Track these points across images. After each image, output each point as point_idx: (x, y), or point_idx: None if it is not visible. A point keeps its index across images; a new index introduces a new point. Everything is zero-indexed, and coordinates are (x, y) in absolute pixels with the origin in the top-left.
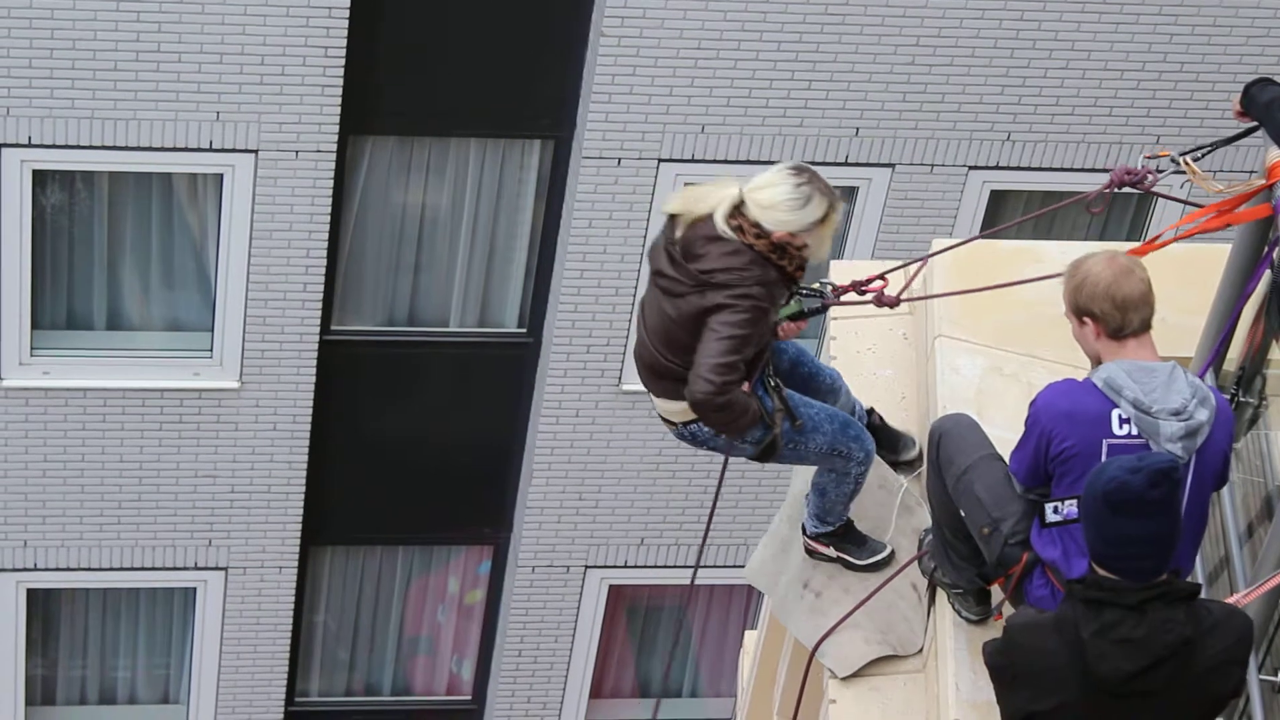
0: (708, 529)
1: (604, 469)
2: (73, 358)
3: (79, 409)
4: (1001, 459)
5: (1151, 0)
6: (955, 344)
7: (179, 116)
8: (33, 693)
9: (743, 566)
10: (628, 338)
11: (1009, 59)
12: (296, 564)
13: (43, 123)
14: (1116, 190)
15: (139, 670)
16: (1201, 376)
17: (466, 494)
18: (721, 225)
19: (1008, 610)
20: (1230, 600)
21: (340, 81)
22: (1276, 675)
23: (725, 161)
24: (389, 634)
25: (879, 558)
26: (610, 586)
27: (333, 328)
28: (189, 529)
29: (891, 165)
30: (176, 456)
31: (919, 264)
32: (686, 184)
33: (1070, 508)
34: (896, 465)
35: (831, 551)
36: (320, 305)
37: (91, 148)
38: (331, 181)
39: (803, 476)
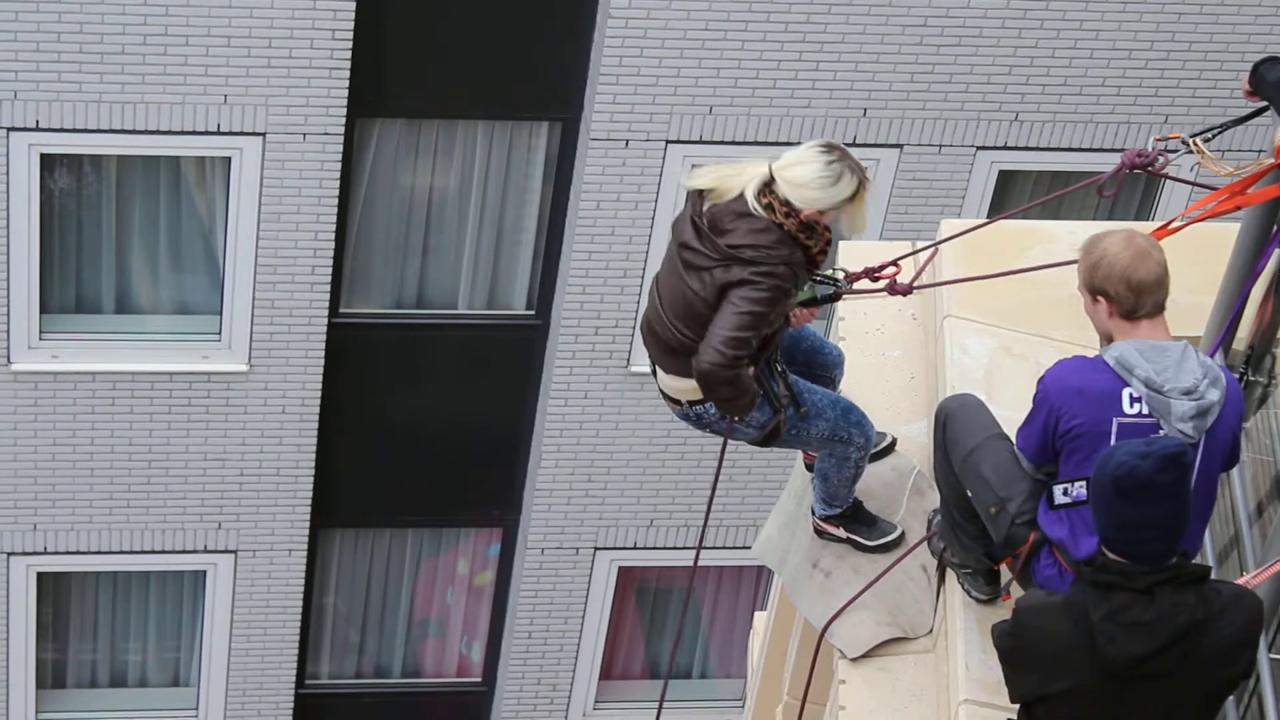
0: (708, 512)
1: (613, 450)
2: (81, 341)
3: (88, 392)
4: (1008, 438)
5: None
6: (964, 324)
7: (186, 100)
8: (43, 676)
9: (751, 548)
10: (636, 319)
11: (1017, 39)
12: (306, 547)
13: (50, 106)
14: (1128, 173)
15: (149, 653)
16: (1212, 356)
17: (475, 476)
18: (752, 202)
19: (1016, 590)
20: (1240, 581)
21: (348, 64)
22: None
23: (733, 143)
24: (399, 616)
25: (889, 539)
26: (620, 568)
27: (341, 310)
28: (198, 512)
29: (899, 146)
30: (186, 440)
31: (931, 250)
32: (694, 165)
33: (1079, 489)
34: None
35: (841, 532)
36: (329, 288)
37: (99, 131)
38: (339, 164)
39: None
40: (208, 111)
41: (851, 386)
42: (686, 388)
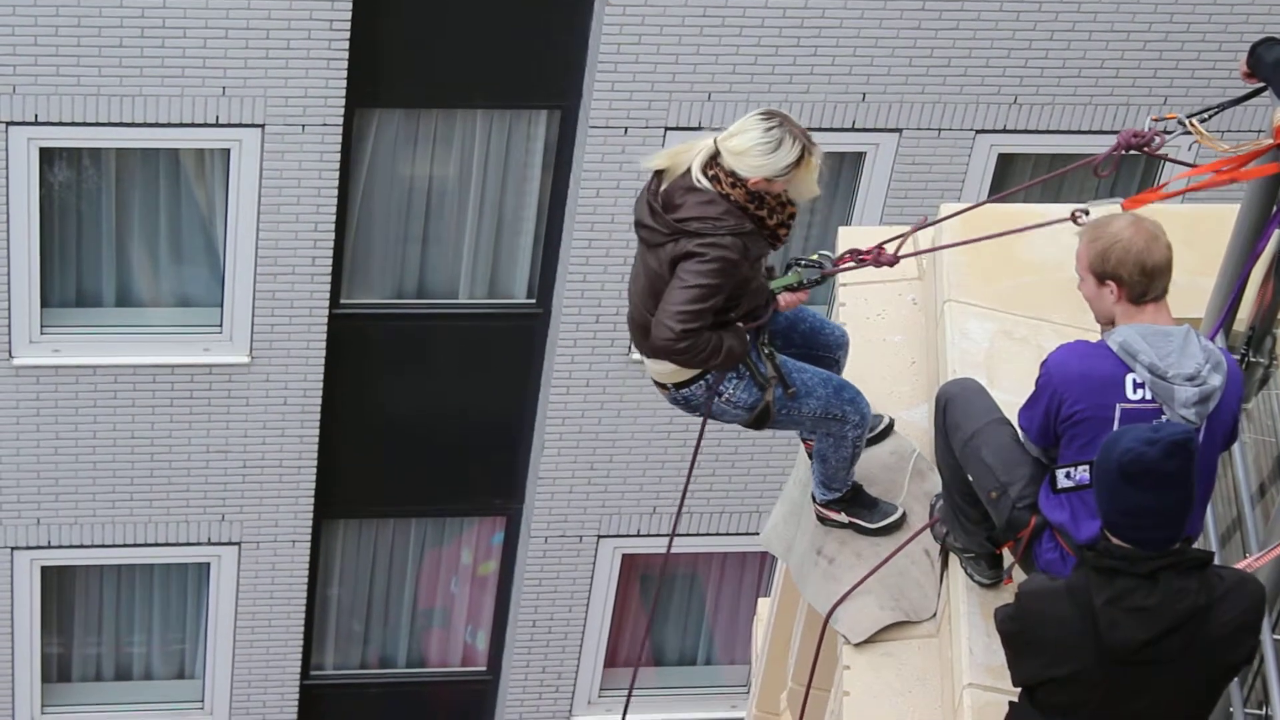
0: (683, 496)
1: (615, 438)
2: (83, 335)
3: (90, 386)
4: (1008, 423)
5: None
6: (965, 308)
7: (185, 92)
8: (49, 670)
9: (755, 534)
10: None
11: (1015, 22)
12: (309, 538)
13: (49, 100)
14: (1124, 153)
15: (154, 646)
16: (1213, 338)
17: (478, 465)
18: (698, 175)
19: (1018, 574)
20: (1242, 565)
21: (346, 55)
22: None
23: None
24: (403, 606)
25: (891, 520)
26: (623, 555)
27: (342, 301)
28: (202, 504)
29: (899, 130)
30: (188, 432)
31: (919, 223)
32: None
33: (1082, 473)
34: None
35: (843, 517)
36: (329, 279)
37: (98, 124)
38: (339, 155)
39: None
40: (206, 104)
41: (853, 371)
42: (669, 369)
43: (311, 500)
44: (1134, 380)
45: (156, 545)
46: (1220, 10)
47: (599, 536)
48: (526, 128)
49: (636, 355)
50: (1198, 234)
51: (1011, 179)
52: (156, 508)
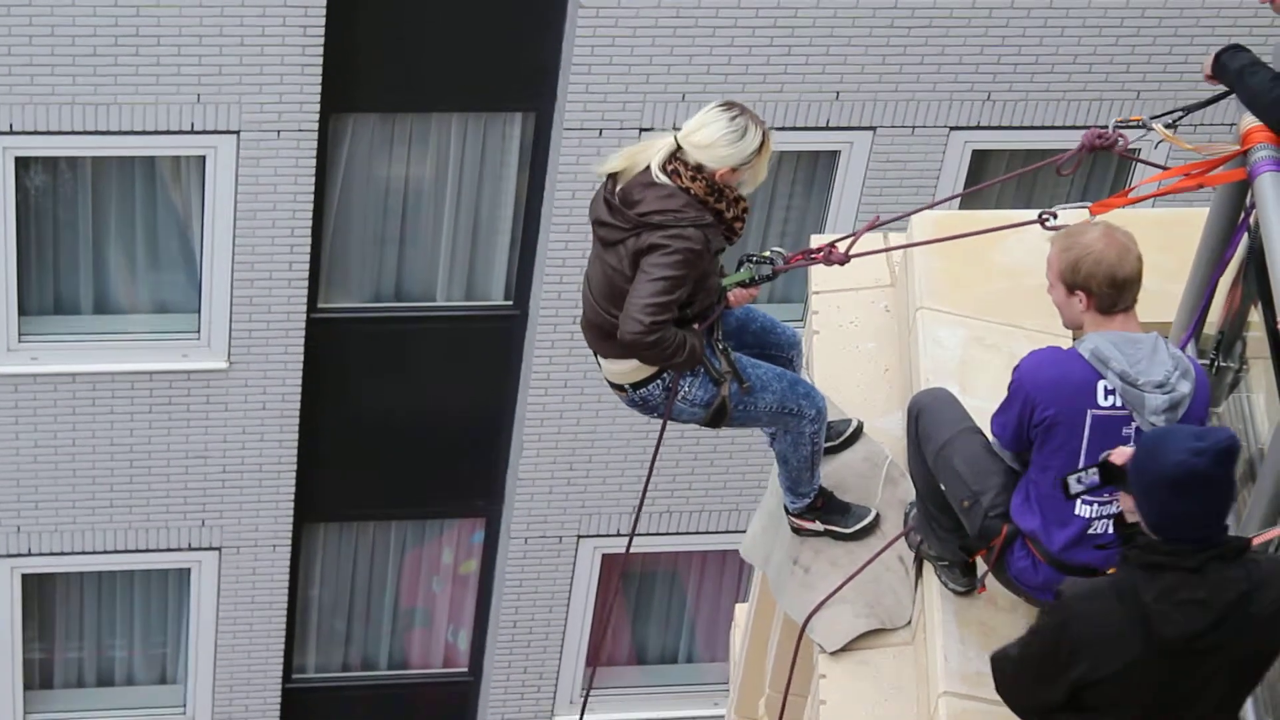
0: (643, 495)
1: (594, 439)
2: (60, 342)
3: (68, 394)
4: (980, 432)
5: None
6: (937, 315)
7: (159, 100)
8: (31, 676)
9: (736, 531)
10: None
11: (987, 18)
12: (290, 542)
13: (23, 109)
14: (1089, 153)
15: (136, 651)
16: (1185, 344)
17: (458, 467)
18: (657, 171)
19: (992, 582)
20: None
21: (320, 60)
22: None
23: None
24: (384, 609)
25: (865, 522)
26: (603, 555)
27: (319, 305)
28: (181, 510)
29: (873, 128)
30: (167, 438)
31: (870, 222)
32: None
33: (1093, 477)
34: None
35: (818, 525)
36: (306, 283)
37: (73, 133)
38: (314, 160)
39: None
40: (181, 111)
41: (826, 379)
42: (626, 369)
43: (291, 504)
44: (1105, 387)
45: (137, 551)
46: (1192, 4)
47: (579, 537)
48: (501, 131)
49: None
50: (1169, 238)
51: (986, 176)
52: (136, 514)
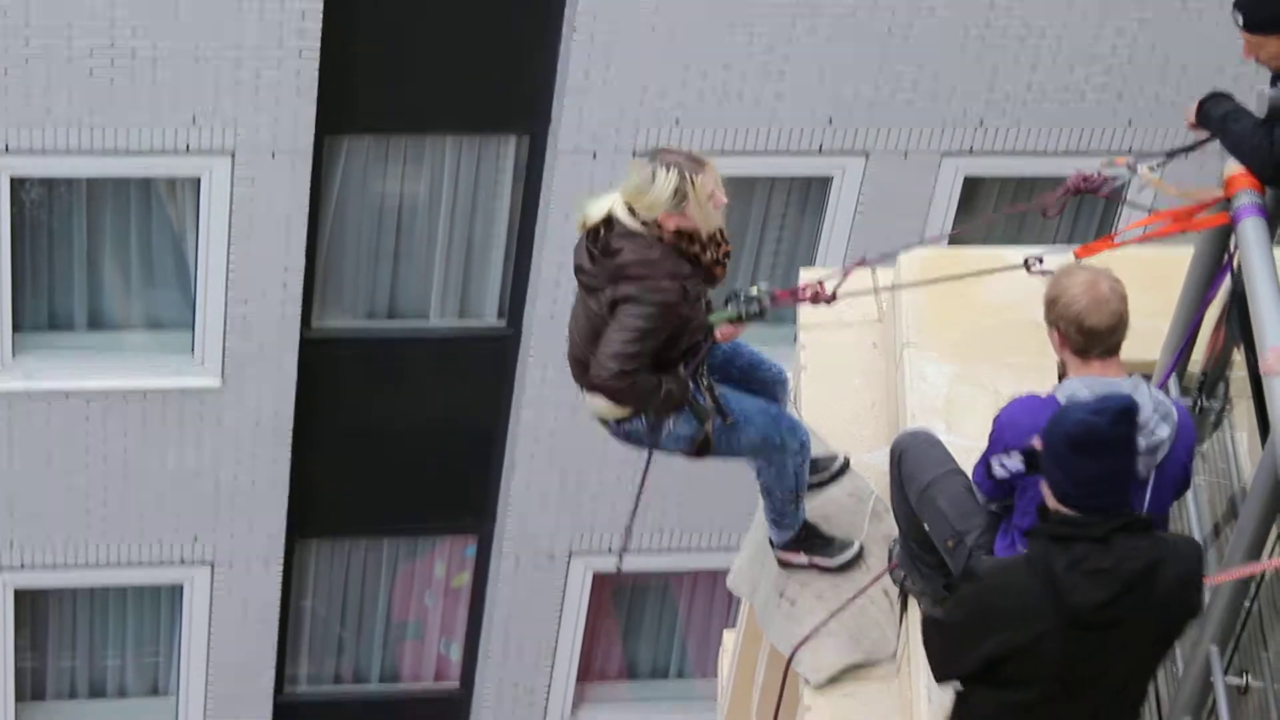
0: (631, 520)
1: (586, 458)
2: (55, 360)
3: (62, 411)
4: (963, 473)
5: None
6: (923, 353)
7: (155, 120)
8: (22, 688)
9: (728, 549)
10: None
11: (980, 45)
12: (283, 558)
13: (19, 130)
14: (1074, 195)
15: (128, 664)
16: (1164, 384)
17: (450, 485)
18: (627, 221)
19: None
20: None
21: (315, 82)
22: (1242, 677)
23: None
24: (376, 624)
25: (849, 555)
26: (595, 573)
27: (313, 324)
28: (175, 526)
29: (866, 153)
30: (161, 455)
31: (855, 261)
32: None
33: (1016, 462)
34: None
35: (803, 558)
36: (300, 303)
37: (69, 153)
38: (309, 181)
39: None
40: (176, 132)
41: (813, 413)
42: (607, 405)
43: (284, 521)
44: None
45: (130, 566)
46: (1183, 32)
47: (570, 554)
48: (496, 153)
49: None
50: (1156, 278)
51: (978, 203)
52: (130, 529)
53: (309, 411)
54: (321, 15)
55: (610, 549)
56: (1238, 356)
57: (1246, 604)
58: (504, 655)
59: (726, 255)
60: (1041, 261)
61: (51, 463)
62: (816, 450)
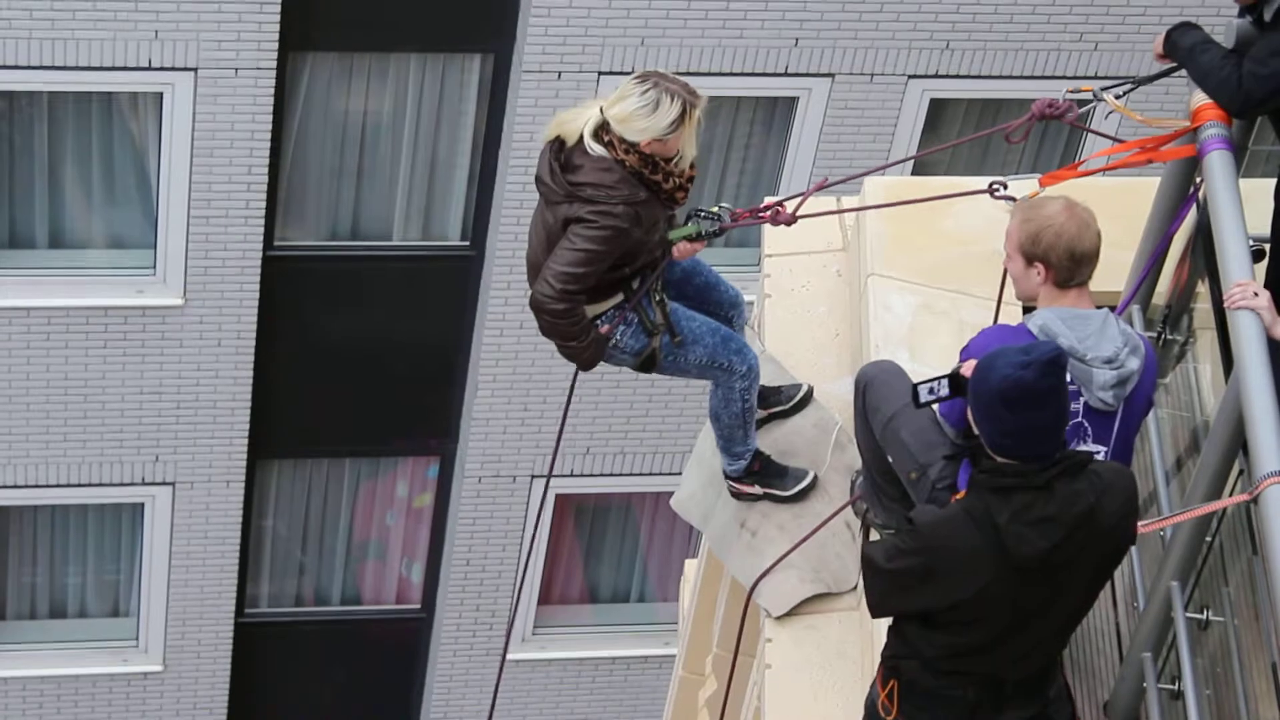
0: (559, 440)
1: (549, 379)
2: (15, 277)
3: (23, 328)
4: None
5: None
6: (887, 282)
7: (117, 35)
8: None
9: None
10: None
11: None
12: (244, 478)
13: None
14: (1039, 121)
15: (88, 584)
16: (1124, 310)
17: (412, 406)
18: (590, 142)
19: None
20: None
21: None
22: (1203, 612)
23: None
24: (338, 545)
25: (804, 484)
26: (557, 495)
27: (275, 243)
28: (135, 445)
29: (831, 75)
30: (122, 374)
31: (817, 184)
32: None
33: (944, 388)
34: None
35: (757, 489)
36: (263, 221)
37: (29, 68)
38: (272, 98)
39: None
40: (139, 47)
41: (776, 342)
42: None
43: (246, 441)
44: None
45: (90, 485)
46: None
47: (532, 476)
48: (460, 71)
49: None
50: (1120, 206)
51: (943, 125)
52: (90, 449)
53: (271, 331)
54: None
55: (573, 471)
56: (1202, 289)
57: (1208, 539)
58: (465, 577)
59: (690, 180)
60: (1006, 187)
61: (11, 380)
62: (780, 379)
